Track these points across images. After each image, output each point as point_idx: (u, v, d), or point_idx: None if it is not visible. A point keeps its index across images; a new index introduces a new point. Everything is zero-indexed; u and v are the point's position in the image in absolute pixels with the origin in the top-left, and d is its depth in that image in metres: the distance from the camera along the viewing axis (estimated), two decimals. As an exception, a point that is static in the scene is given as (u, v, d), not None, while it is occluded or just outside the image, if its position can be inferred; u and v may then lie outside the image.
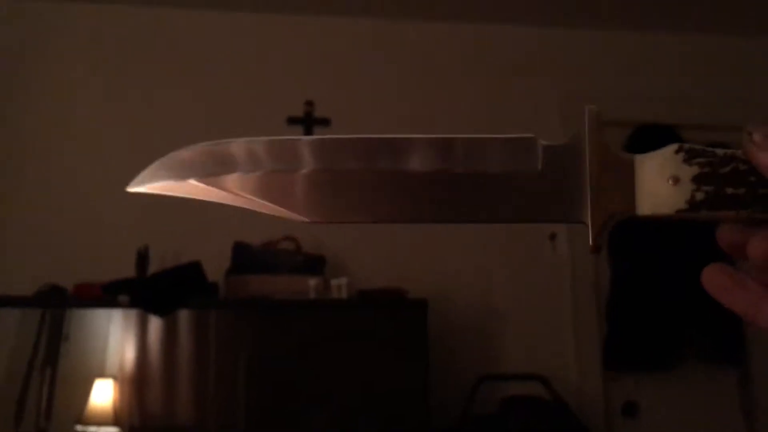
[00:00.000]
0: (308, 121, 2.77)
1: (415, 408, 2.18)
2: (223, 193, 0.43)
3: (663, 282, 2.62)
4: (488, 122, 2.86)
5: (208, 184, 0.44)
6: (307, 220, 0.42)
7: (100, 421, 2.14)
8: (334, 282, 2.31)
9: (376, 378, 2.23)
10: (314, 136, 0.44)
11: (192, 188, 0.44)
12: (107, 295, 2.18)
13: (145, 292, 2.21)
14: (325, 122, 2.77)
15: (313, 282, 2.29)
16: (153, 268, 2.36)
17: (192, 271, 2.28)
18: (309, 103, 2.78)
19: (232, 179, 0.43)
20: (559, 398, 2.42)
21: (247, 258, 2.37)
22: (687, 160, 0.38)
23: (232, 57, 2.85)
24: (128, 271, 2.29)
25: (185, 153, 0.45)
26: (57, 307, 2.23)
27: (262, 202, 0.42)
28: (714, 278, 0.39)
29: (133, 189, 0.47)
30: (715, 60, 3.03)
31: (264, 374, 2.23)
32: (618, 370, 2.71)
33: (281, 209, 0.42)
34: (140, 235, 2.41)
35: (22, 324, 2.23)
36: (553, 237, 2.70)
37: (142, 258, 2.34)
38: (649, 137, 2.80)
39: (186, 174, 0.44)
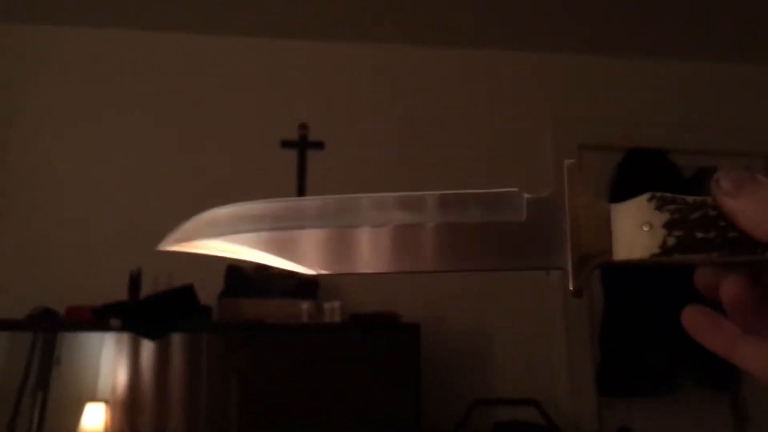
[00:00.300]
0: (302, 145, 2.78)
1: (408, 433, 2.17)
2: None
3: (656, 307, 2.61)
4: (481, 146, 2.87)
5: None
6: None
7: (91, 446, 2.13)
8: (327, 306, 2.31)
9: (369, 402, 2.22)
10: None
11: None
12: (99, 319, 2.17)
13: (137, 315, 2.20)
14: (319, 145, 2.78)
15: (306, 306, 2.29)
16: (145, 291, 2.36)
17: (185, 294, 2.28)
18: (303, 126, 2.79)
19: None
20: (552, 423, 2.41)
21: (240, 281, 2.37)
22: (659, 208, 0.41)
23: (226, 80, 2.86)
24: (120, 294, 2.29)
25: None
26: (48, 330, 2.21)
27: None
28: (692, 319, 0.41)
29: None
30: (707, 85, 3.05)
31: (257, 398, 2.22)
32: (612, 395, 2.71)
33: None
34: (133, 258, 2.40)
35: (13, 348, 2.22)
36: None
37: (135, 281, 2.33)
38: (640, 162, 2.82)
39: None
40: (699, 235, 0.39)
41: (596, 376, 2.71)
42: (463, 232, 0.44)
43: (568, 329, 2.74)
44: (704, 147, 2.91)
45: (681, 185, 2.75)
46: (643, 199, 0.41)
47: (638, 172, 2.78)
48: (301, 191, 2.73)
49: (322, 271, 0.44)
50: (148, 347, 2.20)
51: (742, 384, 2.77)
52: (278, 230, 0.45)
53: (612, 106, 3.00)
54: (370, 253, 0.44)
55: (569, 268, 0.42)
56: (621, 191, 2.77)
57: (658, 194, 0.41)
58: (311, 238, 0.45)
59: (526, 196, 0.44)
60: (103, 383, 2.20)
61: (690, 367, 2.69)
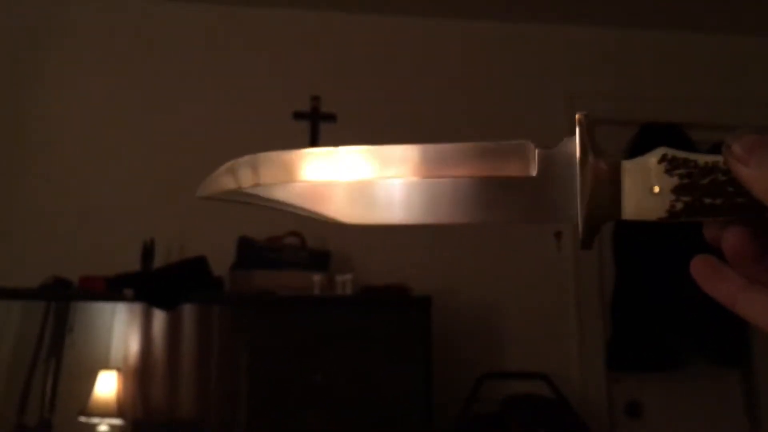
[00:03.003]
0: (314, 116, 2.77)
1: (418, 405, 2.18)
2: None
3: (668, 282, 2.61)
4: (494, 119, 2.86)
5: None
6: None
7: (104, 413, 2.15)
8: (338, 278, 2.32)
9: (379, 374, 2.23)
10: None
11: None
12: (113, 289, 2.19)
13: (150, 285, 2.21)
14: (331, 117, 2.78)
15: (317, 278, 2.29)
16: (158, 261, 2.37)
17: (197, 265, 2.29)
18: (315, 98, 2.78)
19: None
20: (562, 397, 2.42)
21: (251, 253, 2.38)
22: (668, 171, 0.41)
23: (240, 51, 2.85)
24: (133, 264, 2.30)
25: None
26: (62, 299, 2.23)
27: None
28: (699, 268, 0.42)
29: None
30: (722, 59, 3.02)
31: (267, 369, 2.24)
32: (622, 370, 2.71)
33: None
34: (146, 228, 2.41)
35: (27, 316, 2.24)
36: (558, 235, 2.69)
37: (148, 251, 2.34)
38: (655, 136, 2.79)
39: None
40: (707, 201, 0.39)
41: (606, 351, 2.71)
42: (473, 183, 0.44)
43: (579, 303, 2.74)
44: (720, 121, 2.89)
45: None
46: (653, 159, 0.41)
47: (653, 147, 2.75)
48: (313, 163, 2.72)
49: (344, 221, 0.46)
50: (159, 317, 2.22)
51: (753, 360, 2.76)
52: (307, 180, 0.46)
53: (627, 81, 2.97)
54: (383, 204, 0.45)
55: (579, 223, 0.42)
56: (635, 167, 2.76)
57: (669, 155, 0.41)
58: (336, 189, 0.46)
59: (537, 149, 0.44)
60: (116, 352, 2.22)
61: (700, 343, 2.69)
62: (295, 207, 0.46)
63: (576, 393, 2.58)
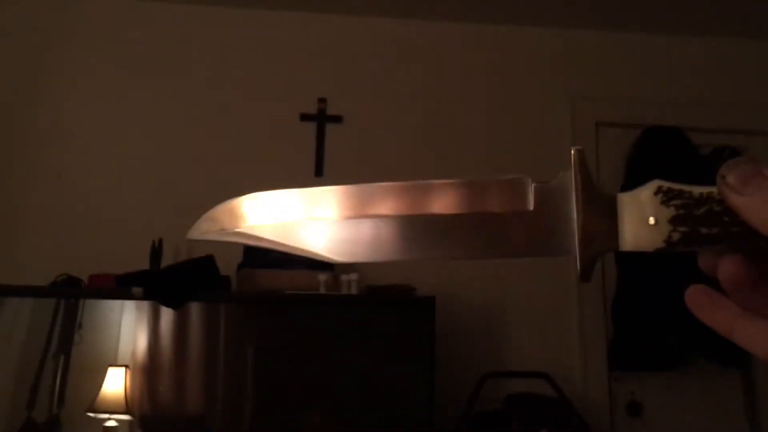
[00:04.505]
0: (321, 118, 2.79)
1: (420, 403, 2.20)
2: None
3: (669, 282, 2.61)
4: (498, 122, 2.87)
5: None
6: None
7: (112, 409, 2.17)
8: (344, 278, 2.34)
9: (383, 373, 2.25)
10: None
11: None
12: (122, 287, 2.21)
13: (158, 284, 2.24)
14: (337, 119, 2.80)
15: (323, 277, 2.31)
16: (166, 260, 2.39)
17: (205, 264, 2.30)
18: (322, 101, 2.80)
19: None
20: (563, 396, 2.43)
21: (258, 252, 2.39)
22: (665, 202, 0.41)
23: (246, 53, 2.87)
24: (142, 263, 2.33)
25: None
26: (71, 297, 2.26)
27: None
28: (694, 298, 0.43)
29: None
30: (725, 62, 3.02)
31: (272, 367, 2.26)
32: (623, 369, 2.72)
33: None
34: (154, 228, 2.44)
35: (37, 313, 2.26)
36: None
37: (156, 251, 2.37)
38: (658, 140, 2.81)
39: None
40: (703, 230, 0.40)
41: (608, 350, 2.72)
42: (469, 221, 0.44)
43: (581, 303, 2.75)
44: (722, 126, 2.90)
45: (698, 164, 2.74)
46: (649, 191, 0.42)
47: (655, 150, 2.77)
48: (319, 164, 2.75)
49: (335, 260, 0.45)
50: (167, 315, 2.24)
51: (753, 360, 2.77)
52: (293, 220, 0.46)
53: (630, 84, 2.98)
54: (376, 242, 0.45)
55: (577, 255, 0.43)
56: (638, 169, 2.77)
57: (664, 187, 0.41)
58: (323, 228, 0.45)
59: (533, 183, 0.44)
60: (124, 349, 2.24)
61: (702, 343, 2.69)
62: (284, 246, 0.46)
63: (577, 392, 2.60)
